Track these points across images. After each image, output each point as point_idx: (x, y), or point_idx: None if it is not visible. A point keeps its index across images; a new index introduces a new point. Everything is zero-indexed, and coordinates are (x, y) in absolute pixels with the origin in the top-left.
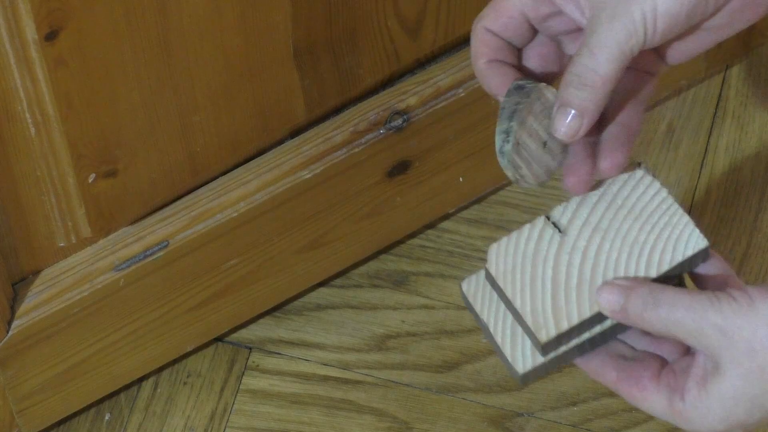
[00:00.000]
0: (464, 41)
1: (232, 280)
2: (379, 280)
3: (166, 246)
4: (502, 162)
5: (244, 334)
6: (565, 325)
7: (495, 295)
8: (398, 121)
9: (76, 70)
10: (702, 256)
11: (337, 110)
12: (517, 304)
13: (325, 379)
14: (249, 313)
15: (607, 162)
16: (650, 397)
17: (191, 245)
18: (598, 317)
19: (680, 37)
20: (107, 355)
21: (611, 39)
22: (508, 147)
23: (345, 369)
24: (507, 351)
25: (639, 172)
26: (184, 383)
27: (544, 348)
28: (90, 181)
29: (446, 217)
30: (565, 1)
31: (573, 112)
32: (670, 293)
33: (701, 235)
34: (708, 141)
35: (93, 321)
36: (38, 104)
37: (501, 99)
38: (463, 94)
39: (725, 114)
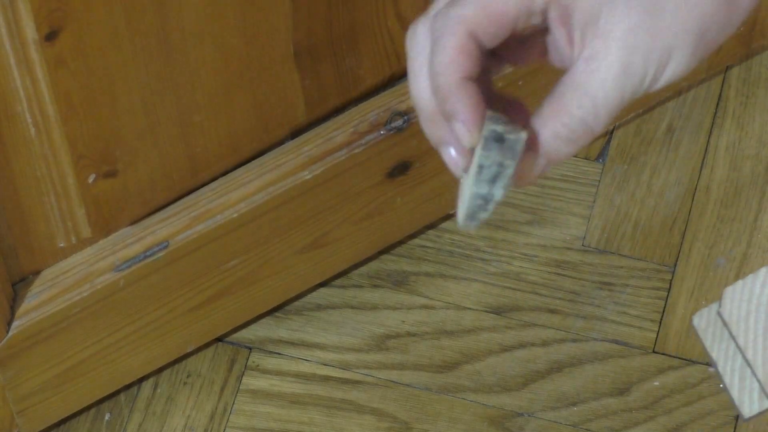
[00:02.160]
0: None
1: (232, 280)
2: (379, 280)
3: (166, 246)
4: (470, 226)
5: (244, 334)
6: None
7: (725, 334)
8: (399, 122)
9: (76, 71)
10: None
11: (338, 111)
12: (749, 355)
13: (325, 379)
14: (249, 313)
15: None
16: None
17: (191, 246)
18: None
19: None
20: (107, 355)
21: (618, 95)
22: (484, 215)
23: (345, 369)
24: (734, 393)
25: None
26: (184, 383)
27: None
28: (90, 181)
29: (447, 217)
30: (556, 23)
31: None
32: None
33: None
34: (708, 141)
35: (93, 321)
36: (38, 104)
37: (467, 142)
38: None
39: (725, 114)
